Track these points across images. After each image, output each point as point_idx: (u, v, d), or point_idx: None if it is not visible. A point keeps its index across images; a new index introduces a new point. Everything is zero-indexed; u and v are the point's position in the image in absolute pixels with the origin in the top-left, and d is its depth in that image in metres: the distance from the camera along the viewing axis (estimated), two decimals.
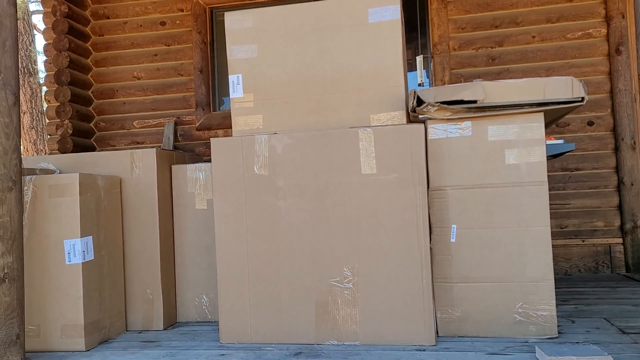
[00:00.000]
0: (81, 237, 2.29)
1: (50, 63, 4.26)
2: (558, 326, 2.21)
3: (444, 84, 3.89)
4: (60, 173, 2.60)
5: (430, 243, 2.19)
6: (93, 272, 2.36)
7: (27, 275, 2.27)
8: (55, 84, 4.17)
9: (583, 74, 3.74)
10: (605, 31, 3.74)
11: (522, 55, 3.85)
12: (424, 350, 2.06)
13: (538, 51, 3.83)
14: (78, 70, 4.28)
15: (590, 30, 3.77)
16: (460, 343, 2.13)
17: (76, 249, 2.28)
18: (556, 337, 2.13)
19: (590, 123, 3.76)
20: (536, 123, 2.16)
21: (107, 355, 2.21)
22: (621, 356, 1.86)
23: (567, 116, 3.69)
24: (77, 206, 2.28)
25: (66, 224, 2.29)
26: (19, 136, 2.13)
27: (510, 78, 3.38)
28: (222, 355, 2.14)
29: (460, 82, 3.79)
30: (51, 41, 4.22)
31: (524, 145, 2.16)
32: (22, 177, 2.23)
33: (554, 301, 2.13)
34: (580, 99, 2.12)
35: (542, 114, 2.16)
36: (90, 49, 4.43)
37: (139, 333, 2.58)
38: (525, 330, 2.15)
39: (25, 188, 2.31)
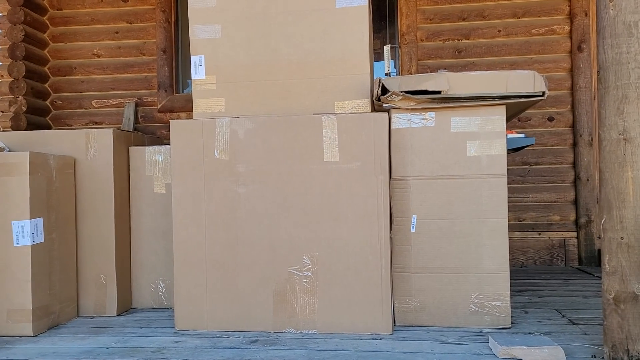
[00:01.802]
0: (30, 218, 2.19)
1: (4, 36, 4.05)
2: (512, 317, 2.26)
3: (411, 74, 3.89)
4: (10, 151, 2.48)
5: (390, 233, 2.19)
6: (43, 255, 2.27)
7: None
8: (9, 59, 3.97)
9: (546, 69, 3.80)
10: (569, 28, 3.81)
11: (488, 49, 3.88)
12: (380, 339, 2.07)
13: (503, 45, 3.87)
14: (34, 45, 4.09)
15: (554, 27, 3.83)
16: (416, 332, 2.15)
17: (25, 231, 2.18)
18: (509, 328, 2.17)
19: (551, 119, 3.84)
20: (497, 116, 2.17)
21: (56, 341, 2.13)
22: (570, 346, 1.91)
23: (528, 111, 3.76)
24: (26, 186, 2.18)
25: (15, 205, 2.19)
26: None
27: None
28: (177, 342, 2.09)
29: (427, 73, 3.80)
30: (5, 13, 4.01)
31: (485, 137, 2.18)
32: None
33: (509, 292, 2.17)
34: (541, 93, 2.14)
35: (503, 107, 2.17)
36: (48, 23, 4.24)
37: (91, 319, 2.50)
38: (480, 320, 2.19)
39: None
